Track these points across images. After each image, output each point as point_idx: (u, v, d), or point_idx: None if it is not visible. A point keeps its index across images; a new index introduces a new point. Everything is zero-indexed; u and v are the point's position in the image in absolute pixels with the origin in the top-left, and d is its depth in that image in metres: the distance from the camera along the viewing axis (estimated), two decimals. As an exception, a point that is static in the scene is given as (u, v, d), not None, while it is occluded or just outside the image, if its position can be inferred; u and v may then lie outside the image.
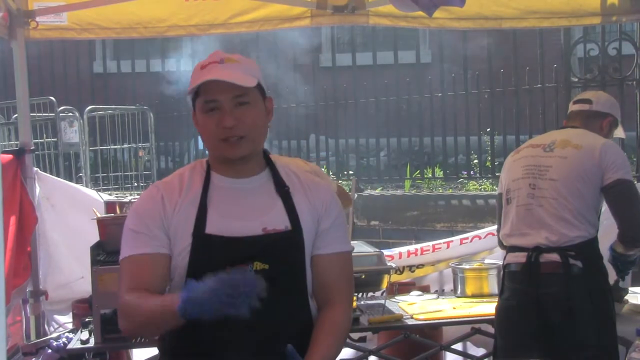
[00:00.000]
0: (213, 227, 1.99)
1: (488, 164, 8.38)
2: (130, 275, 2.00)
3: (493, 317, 3.34)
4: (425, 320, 3.53)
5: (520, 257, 3.09)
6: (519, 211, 3.14)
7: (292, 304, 2.05)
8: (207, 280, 1.78)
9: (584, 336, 2.94)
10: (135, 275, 1.99)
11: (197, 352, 2.01)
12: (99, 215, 3.48)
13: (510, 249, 3.18)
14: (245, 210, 2.03)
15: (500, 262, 3.81)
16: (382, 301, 3.73)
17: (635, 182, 5.79)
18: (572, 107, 3.33)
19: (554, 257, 2.99)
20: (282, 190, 2.08)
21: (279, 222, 2.03)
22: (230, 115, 1.99)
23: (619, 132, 3.39)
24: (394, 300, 3.86)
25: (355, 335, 3.61)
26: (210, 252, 1.98)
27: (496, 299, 3.31)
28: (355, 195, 6.38)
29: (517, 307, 3.08)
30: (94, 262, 3.20)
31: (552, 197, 3.04)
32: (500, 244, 3.36)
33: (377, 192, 8.16)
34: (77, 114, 8.56)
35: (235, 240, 1.98)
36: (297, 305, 2.07)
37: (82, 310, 3.77)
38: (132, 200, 3.59)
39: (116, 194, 8.09)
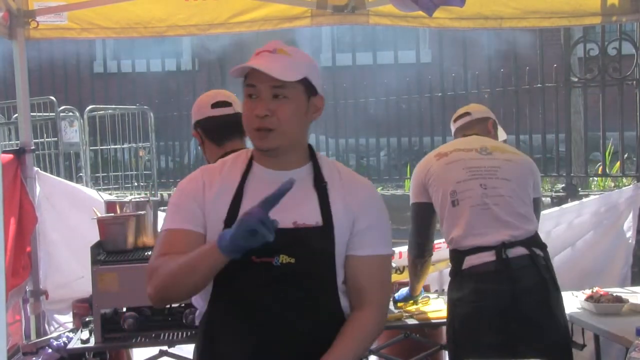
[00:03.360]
0: None
1: (488, 163, 8.38)
2: (165, 244, 2.03)
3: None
4: (425, 320, 3.53)
5: (486, 256, 3.02)
6: (474, 211, 3.07)
7: (318, 300, 2.03)
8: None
9: (559, 321, 3.02)
10: (170, 245, 2.02)
11: (232, 338, 2.02)
12: (99, 215, 3.47)
13: (470, 250, 3.06)
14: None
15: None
16: (382, 301, 3.73)
17: (636, 181, 5.81)
18: (459, 123, 3.46)
19: (522, 250, 3.01)
20: (320, 186, 2.06)
21: (311, 217, 2.02)
22: (265, 105, 1.98)
23: (502, 134, 3.62)
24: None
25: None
26: None
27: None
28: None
29: (491, 307, 2.97)
30: (94, 261, 3.20)
31: (509, 196, 3.08)
32: (425, 253, 3.34)
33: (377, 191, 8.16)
34: (77, 114, 8.55)
35: None
36: (324, 301, 2.05)
37: (82, 309, 3.78)
38: (133, 200, 3.59)
39: (116, 194, 8.09)
